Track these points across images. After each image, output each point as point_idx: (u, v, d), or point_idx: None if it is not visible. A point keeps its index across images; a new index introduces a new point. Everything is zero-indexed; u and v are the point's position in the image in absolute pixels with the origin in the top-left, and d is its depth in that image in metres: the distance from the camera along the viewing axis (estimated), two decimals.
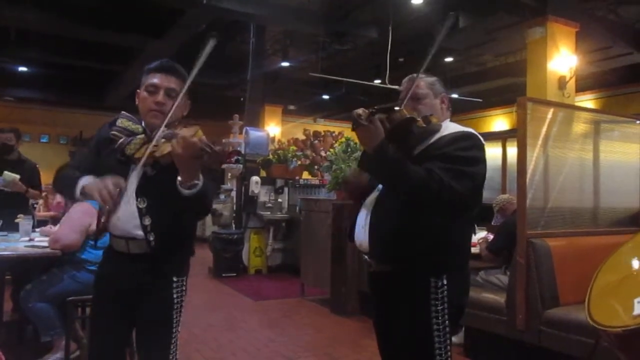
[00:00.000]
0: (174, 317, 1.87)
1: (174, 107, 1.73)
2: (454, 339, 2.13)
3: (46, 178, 7.42)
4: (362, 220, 1.92)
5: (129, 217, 1.78)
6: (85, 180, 1.75)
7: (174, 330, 1.87)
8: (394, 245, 1.82)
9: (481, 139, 1.86)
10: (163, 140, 1.66)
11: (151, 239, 1.77)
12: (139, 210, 1.77)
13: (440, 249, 1.80)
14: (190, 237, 1.98)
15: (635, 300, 1.49)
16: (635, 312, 1.46)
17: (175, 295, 1.87)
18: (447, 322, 1.79)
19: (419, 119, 1.76)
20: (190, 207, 1.71)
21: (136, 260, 1.81)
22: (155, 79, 1.83)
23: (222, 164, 1.69)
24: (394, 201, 1.81)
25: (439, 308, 1.79)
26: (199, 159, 1.54)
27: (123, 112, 1.87)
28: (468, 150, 1.77)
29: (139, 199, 1.77)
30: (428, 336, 1.79)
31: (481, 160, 1.80)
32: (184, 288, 1.92)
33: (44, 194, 5.99)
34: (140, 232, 1.77)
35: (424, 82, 1.92)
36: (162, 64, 1.87)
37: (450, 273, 1.81)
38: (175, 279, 1.88)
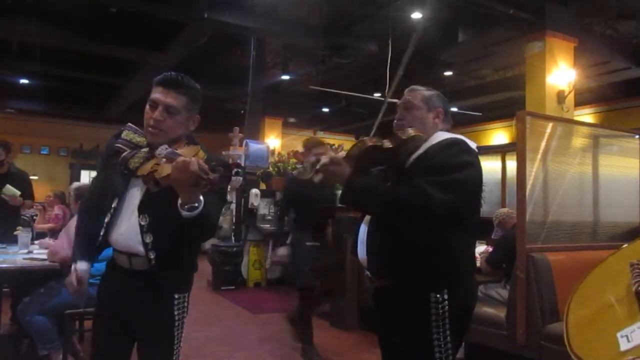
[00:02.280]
0: (175, 333, 1.85)
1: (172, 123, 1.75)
2: None
3: (46, 189, 7.44)
4: (362, 236, 1.93)
5: (131, 233, 1.76)
6: (78, 266, 1.88)
7: (175, 347, 1.86)
8: (390, 260, 1.83)
9: (470, 143, 1.86)
10: (164, 160, 1.62)
11: (152, 256, 1.74)
12: (141, 227, 1.75)
13: (439, 263, 1.78)
14: (193, 254, 1.94)
15: (619, 335, 1.46)
16: (623, 348, 1.42)
17: (176, 312, 1.84)
18: (448, 337, 1.77)
19: (382, 142, 1.76)
20: (192, 228, 1.67)
21: (137, 276, 1.79)
22: (157, 94, 1.78)
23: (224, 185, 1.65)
24: None
25: (440, 323, 1.77)
26: (197, 187, 1.52)
27: (129, 123, 1.86)
28: (456, 156, 1.77)
29: (141, 216, 1.75)
30: (429, 352, 1.77)
31: (470, 163, 1.79)
32: (185, 304, 1.89)
33: (39, 207, 6.00)
34: (142, 249, 1.75)
35: (421, 94, 1.97)
36: (165, 77, 1.81)
37: (451, 287, 1.78)
38: (176, 295, 1.85)
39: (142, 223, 1.75)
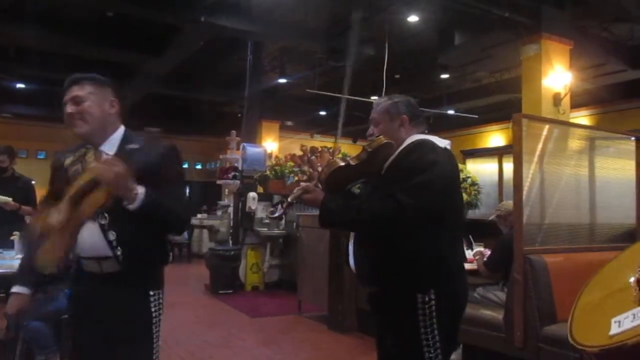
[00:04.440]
0: (154, 331, 1.85)
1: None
2: (452, 356, 2.13)
3: (43, 194, 7.43)
4: (352, 245, 1.99)
5: (93, 235, 1.76)
6: (13, 289, 1.90)
7: (154, 345, 1.86)
8: (375, 267, 1.90)
9: (437, 142, 1.92)
10: (93, 162, 1.73)
11: (119, 253, 1.75)
12: (101, 226, 1.75)
13: (423, 265, 1.82)
14: (162, 246, 1.94)
15: (613, 320, 1.49)
16: (612, 332, 1.46)
17: (153, 309, 1.85)
18: (437, 337, 1.80)
19: (345, 161, 1.87)
20: (151, 221, 1.73)
21: (109, 279, 1.78)
22: (64, 98, 1.85)
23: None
24: None
25: (427, 323, 1.80)
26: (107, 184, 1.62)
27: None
28: (420, 158, 1.83)
29: (99, 216, 1.75)
30: (419, 353, 1.81)
31: (434, 162, 1.82)
32: (161, 301, 1.89)
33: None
34: (108, 249, 1.75)
35: (381, 107, 2.05)
36: (66, 82, 1.88)
37: (438, 288, 1.82)
38: (151, 292, 1.86)
39: (102, 222, 1.76)
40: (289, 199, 1.89)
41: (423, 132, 2.01)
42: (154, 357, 1.86)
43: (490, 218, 4.25)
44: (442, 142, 1.94)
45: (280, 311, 6.05)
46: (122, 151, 1.81)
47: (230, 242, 7.79)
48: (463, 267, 1.99)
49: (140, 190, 1.67)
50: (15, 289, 1.91)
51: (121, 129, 1.90)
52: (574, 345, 1.58)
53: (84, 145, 1.83)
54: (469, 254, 4.26)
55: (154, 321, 1.85)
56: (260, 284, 7.56)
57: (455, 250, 1.94)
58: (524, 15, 6.89)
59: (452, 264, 1.91)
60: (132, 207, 1.66)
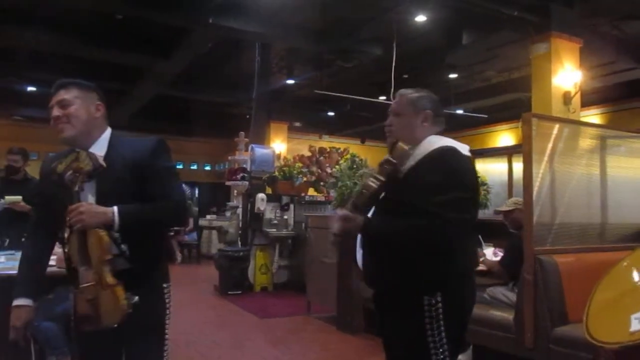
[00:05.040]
0: (166, 323, 1.92)
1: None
2: (461, 357, 2.12)
3: None
4: (359, 245, 2.00)
5: None
6: (17, 302, 1.88)
7: (166, 337, 1.91)
8: (381, 268, 1.89)
9: (461, 149, 1.88)
10: (86, 159, 1.76)
11: (124, 248, 1.77)
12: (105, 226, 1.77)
13: (431, 267, 1.80)
14: (164, 240, 2.03)
15: (633, 317, 1.48)
16: (632, 329, 1.44)
17: (167, 301, 1.92)
18: (444, 339, 1.79)
19: (378, 181, 1.83)
20: (141, 226, 1.80)
21: (122, 277, 1.77)
22: (51, 102, 1.88)
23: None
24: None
25: (434, 326, 1.79)
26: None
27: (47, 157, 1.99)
28: (456, 171, 1.79)
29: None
30: (425, 355, 1.80)
31: (465, 173, 1.81)
32: (170, 294, 1.95)
33: None
34: (114, 246, 1.77)
35: (406, 99, 1.98)
36: (52, 87, 1.91)
37: (445, 290, 1.80)
38: (164, 285, 1.92)
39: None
40: (335, 232, 1.85)
41: (439, 132, 1.97)
42: (166, 348, 1.90)
43: (497, 209, 4.19)
44: (464, 149, 1.91)
45: (289, 312, 6.05)
46: (111, 151, 1.85)
47: (239, 243, 7.81)
48: (472, 270, 1.98)
49: (114, 210, 1.72)
50: (19, 301, 1.88)
51: (108, 131, 1.93)
52: (592, 342, 1.57)
53: (72, 150, 1.83)
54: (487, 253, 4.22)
55: (167, 312, 1.92)
56: (269, 285, 7.57)
57: (465, 254, 1.91)
58: (533, 13, 6.85)
59: (461, 267, 1.88)
60: (115, 229, 1.72)
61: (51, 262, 3.44)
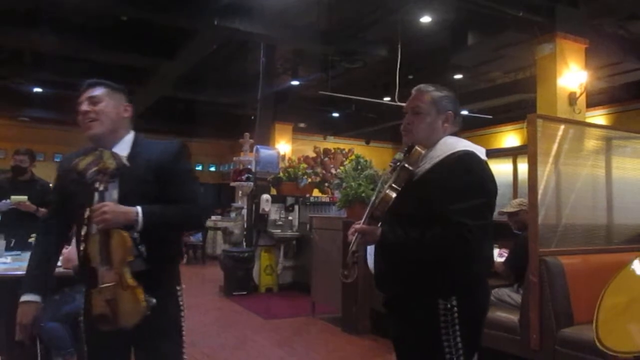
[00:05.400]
0: (183, 325, 1.93)
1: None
2: None
3: None
4: (370, 248, 1.94)
5: None
6: (25, 297, 1.87)
7: (183, 339, 1.92)
8: (395, 271, 1.85)
9: (479, 153, 1.82)
10: (111, 158, 1.77)
11: (142, 249, 1.77)
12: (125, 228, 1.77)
13: (445, 271, 1.76)
14: (179, 243, 2.05)
15: None
16: None
17: (181, 303, 1.93)
18: (460, 344, 1.76)
19: (395, 190, 1.75)
20: (161, 229, 1.81)
21: (139, 279, 1.75)
22: (79, 99, 1.89)
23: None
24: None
25: (449, 330, 1.75)
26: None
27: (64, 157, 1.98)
28: (477, 178, 1.74)
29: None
30: (440, 358, 1.77)
31: (482, 177, 1.76)
32: (183, 297, 1.97)
33: None
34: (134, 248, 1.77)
35: (429, 97, 1.88)
36: (83, 86, 1.93)
37: (460, 294, 1.76)
38: (178, 287, 1.94)
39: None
40: (353, 249, 1.79)
41: (456, 133, 1.90)
42: (184, 351, 1.92)
43: (502, 210, 4.17)
44: (482, 153, 1.84)
45: (293, 313, 6.06)
46: (134, 151, 1.86)
47: (244, 243, 7.82)
48: (487, 273, 1.92)
49: (137, 210, 1.73)
50: (27, 297, 1.87)
51: (132, 133, 1.94)
52: (604, 350, 1.53)
53: (95, 149, 1.84)
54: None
55: (182, 314, 1.93)
56: (274, 286, 7.57)
57: (481, 258, 1.83)
58: (538, 14, 6.83)
59: (476, 271, 1.83)
60: (138, 229, 1.73)
61: (57, 263, 3.47)
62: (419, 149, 1.80)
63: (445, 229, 1.67)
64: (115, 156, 1.78)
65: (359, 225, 1.78)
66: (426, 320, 1.78)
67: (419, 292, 1.80)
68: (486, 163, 1.83)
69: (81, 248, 1.81)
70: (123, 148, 1.87)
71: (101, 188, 1.73)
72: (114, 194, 1.79)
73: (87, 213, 1.73)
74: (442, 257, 1.74)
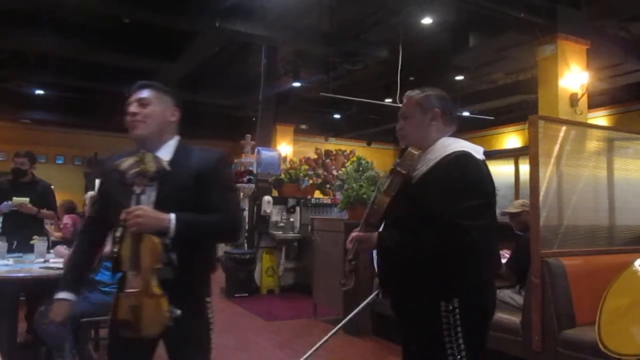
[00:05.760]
0: (211, 338, 1.91)
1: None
2: None
3: (61, 198, 7.51)
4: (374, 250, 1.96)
5: None
6: (60, 295, 1.88)
7: (211, 351, 1.91)
8: (397, 275, 1.87)
9: (475, 154, 1.82)
10: (152, 160, 1.75)
11: (173, 257, 1.74)
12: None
13: (447, 273, 1.76)
14: (211, 254, 2.00)
15: None
16: None
17: (210, 316, 1.90)
18: (462, 345, 1.76)
19: (389, 195, 1.79)
20: (194, 237, 1.77)
21: (165, 287, 1.72)
22: (129, 100, 1.91)
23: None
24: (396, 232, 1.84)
25: (452, 332, 1.75)
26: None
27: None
28: (472, 179, 1.75)
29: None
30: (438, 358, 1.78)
31: (478, 177, 1.77)
32: (212, 308, 1.94)
33: (55, 216, 6.03)
34: (164, 255, 1.74)
35: (413, 100, 1.94)
36: (133, 86, 1.95)
37: (462, 296, 1.76)
38: (207, 299, 1.90)
39: None
40: (350, 258, 1.84)
41: (453, 132, 1.93)
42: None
43: (504, 211, 4.17)
44: (479, 152, 1.85)
45: (295, 314, 6.05)
46: (177, 156, 1.85)
47: (246, 245, 7.82)
48: (492, 275, 1.91)
49: (171, 217, 1.71)
50: (62, 294, 1.88)
51: (176, 138, 1.93)
52: (608, 353, 1.53)
53: (138, 150, 1.83)
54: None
55: (210, 327, 1.90)
56: (276, 288, 7.57)
57: (485, 259, 1.83)
58: (539, 15, 6.83)
59: (479, 272, 1.82)
60: (169, 236, 1.70)
61: (58, 265, 3.49)
62: (412, 151, 1.83)
63: (442, 230, 1.69)
64: (156, 160, 1.77)
65: (355, 233, 1.83)
66: (429, 322, 1.79)
67: (421, 294, 1.81)
68: (484, 163, 1.84)
69: (114, 249, 1.80)
70: (166, 152, 1.86)
71: (138, 191, 1.73)
72: (152, 196, 1.78)
73: (123, 215, 1.71)
74: (441, 259, 1.74)
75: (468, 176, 1.74)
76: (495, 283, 1.93)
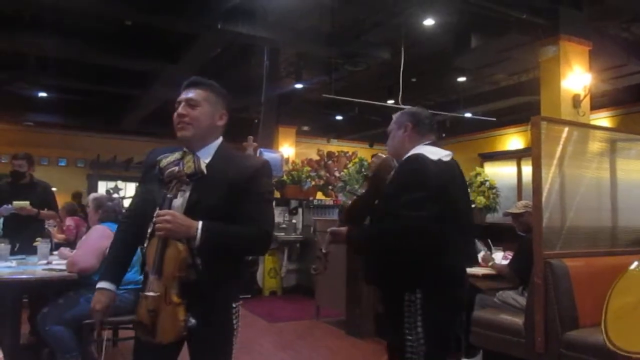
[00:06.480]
0: (234, 343, 1.87)
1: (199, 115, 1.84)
2: None
3: (64, 200, 7.52)
4: None
5: None
6: (100, 284, 1.87)
7: (233, 357, 1.87)
8: (374, 267, 2.13)
9: (428, 154, 2.02)
10: (194, 163, 1.79)
11: (198, 262, 1.71)
12: None
13: (409, 264, 1.94)
14: (241, 261, 1.93)
15: None
16: None
17: (234, 322, 1.85)
18: (421, 334, 1.89)
19: (354, 195, 2.18)
20: (220, 248, 1.73)
21: (188, 289, 1.71)
22: (180, 96, 1.88)
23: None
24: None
25: (411, 320, 1.91)
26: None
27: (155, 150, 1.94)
28: (412, 175, 1.98)
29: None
30: (401, 349, 1.94)
31: (420, 172, 1.96)
32: (239, 312, 1.89)
33: (57, 218, 6.04)
34: (189, 257, 1.72)
35: (393, 119, 2.32)
36: (186, 82, 1.91)
37: (425, 288, 1.92)
38: (234, 305, 1.85)
39: None
40: (324, 249, 2.11)
41: (431, 141, 2.16)
42: None
43: (507, 211, 4.16)
44: (437, 154, 2.04)
45: (298, 316, 6.05)
46: (215, 160, 1.83)
47: None
48: (459, 270, 2.07)
49: (198, 225, 1.67)
50: (102, 284, 1.86)
51: (219, 140, 1.91)
52: (616, 351, 1.53)
53: (181, 149, 1.83)
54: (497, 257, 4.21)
55: (235, 333, 1.86)
56: (278, 289, 7.57)
57: (449, 252, 1.97)
58: (541, 16, 6.82)
59: (443, 266, 1.97)
60: (195, 245, 1.67)
61: (61, 267, 3.49)
62: (375, 157, 2.23)
63: (391, 221, 1.93)
64: (195, 161, 1.77)
65: (331, 228, 2.13)
66: (394, 312, 1.97)
67: (387, 284, 2.04)
68: (439, 162, 2.03)
69: (145, 245, 1.79)
70: (207, 154, 1.84)
71: (170, 195, 1.72)
72: (184, 200, 1.76)
73: (155, 214, 1.70)
74: (393, 249, 1.96)
75: (409, 172, 1.99)
76: (465, 276, 2.11)
